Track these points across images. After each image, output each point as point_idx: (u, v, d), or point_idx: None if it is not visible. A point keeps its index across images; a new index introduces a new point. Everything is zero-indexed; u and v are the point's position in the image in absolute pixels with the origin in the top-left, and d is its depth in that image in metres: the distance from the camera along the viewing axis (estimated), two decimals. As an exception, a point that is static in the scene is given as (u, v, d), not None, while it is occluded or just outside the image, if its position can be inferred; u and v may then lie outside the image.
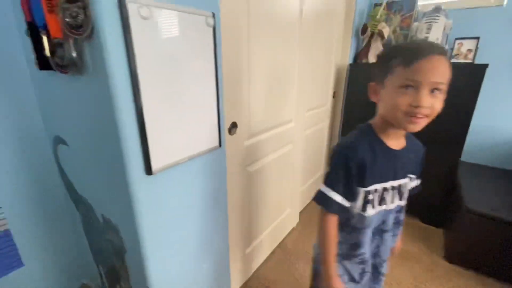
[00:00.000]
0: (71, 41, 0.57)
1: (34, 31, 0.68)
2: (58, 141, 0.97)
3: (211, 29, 0.74)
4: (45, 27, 0.65)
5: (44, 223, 1.12)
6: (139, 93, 0.60)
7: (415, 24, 1.87)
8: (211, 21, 0.73)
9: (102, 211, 0.88)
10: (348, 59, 2.05)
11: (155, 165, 0.68)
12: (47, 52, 0.65)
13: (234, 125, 1.02)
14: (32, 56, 0.77)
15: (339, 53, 2.04)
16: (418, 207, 1.89)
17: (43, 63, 0.70)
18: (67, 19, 0.53)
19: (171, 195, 0.77)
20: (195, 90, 0.75)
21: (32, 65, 0.90)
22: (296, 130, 1.52)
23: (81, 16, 0.53)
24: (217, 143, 0.88)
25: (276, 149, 1.38)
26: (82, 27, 0.53)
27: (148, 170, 0.67)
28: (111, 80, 0.57)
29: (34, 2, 0.63)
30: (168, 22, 0.63)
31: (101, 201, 0.86)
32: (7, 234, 1.03)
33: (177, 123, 0.72)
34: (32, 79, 0.95)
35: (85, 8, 0.52)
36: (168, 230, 0.79)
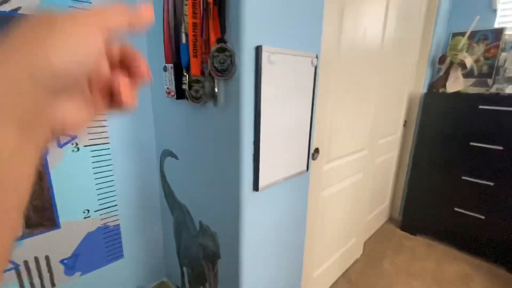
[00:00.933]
0: (215, 80, 0.72)
1: (177, 70, 0.87)
2: (167, 154, 1.16)
3: (313, 68, 0.85)
4: (187, 68, 0.83)
5: (142, 224, 1.32)
6: (259, 122, 0.72)
7: (504, 54, 1.75)
8: (315, 61, 0.84)
9: (200, 218, 1.01)
10: (422, 88, 2.00)
11: (261, 183, 0.78)
12: (186, 86, 0.83)
13: (316, 151, 1.09)
14: (164, 87, 0.98)
15: (412, 81, 2.00)
16: (505, 253, 1.66)
17: (179, 94, 0.89)
18: (215, 65, 0.69)
19: (268, 210, 0.86)
20: (295, 119, 0.85)
21: (157, 93, 1.13)
22: (368, 158, 1.52)
23: (227, 62, 0.68)
24: (305, 167, 0.96)
25: (348, 176, 1.40)
26: (227, 70, 0.68)
27: (256, 187, 0.78)
28: (241, 111, 0.70)
29: (182, 50, 0.82)
30: (285, 64, 0.75)
31: (201, 209, 1.00)
32: (116, 228, 1.25)
33: (279, 147, 0.82)
34: (152, 104, 1.18)
35: (231, 56, 0.67)
36: (261, 243, 0.87)
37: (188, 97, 0.84)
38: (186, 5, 0.77)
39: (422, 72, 1.98)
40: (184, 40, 0.80)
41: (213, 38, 0.69)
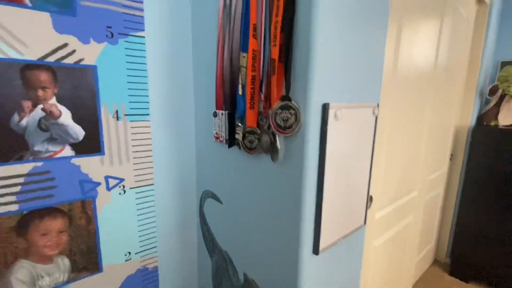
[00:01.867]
0: (276, 136, 0.69)
1: (230, 119, 0.85)
2: (209, 195, 1.13)
3: (374, 117, 0.80)
4: (241, 118, 0.81)
5: (179, 266, 1.28)
6: (322, 180, 0.67)
7: None
8: (376, 111, 0.79)
9: (245, 269, 0.95)
10: (469, 120, 1.86)
11: (321, 245, 0.72)
12: (240, 136, 0.81)
13: (370, 199, 1.01)
14: (213, 131, 0.97)
15: (459, 112, 1.88)
16: None
17: (231, 142, 0.87)
18: (278, 121, 0.66)
19: (325, 271, 0.78)
20: (356, 171, 0.79)
21: (202, 136, 1.12)
22: (418, 199, 1.40)
23: (291, 120, 0.64)
24: (362, 221, 0.88)
25: (399, 221, 1.28)
26: (290, 128, 0.65)
27: (316, 250, 0.71)
28: (305, 168, 0.65)
29: (239, 101, 0.80)
30: (349, 118, 0.71)
31: (247, 261, 0.93)
32: (155, 270, 1.21)
33: (340, 203, 0.76)
34: (196, 145, 1.18)
35: (296, 114, 0.64)
36: (317, 308, 0.79)
37: (241, 147, 0.82)
38: (244, 57, 0.76)
39: (470, 103, 1.85)
40: (240, 92, 0.79)
41: (275, 94, 0.67)
